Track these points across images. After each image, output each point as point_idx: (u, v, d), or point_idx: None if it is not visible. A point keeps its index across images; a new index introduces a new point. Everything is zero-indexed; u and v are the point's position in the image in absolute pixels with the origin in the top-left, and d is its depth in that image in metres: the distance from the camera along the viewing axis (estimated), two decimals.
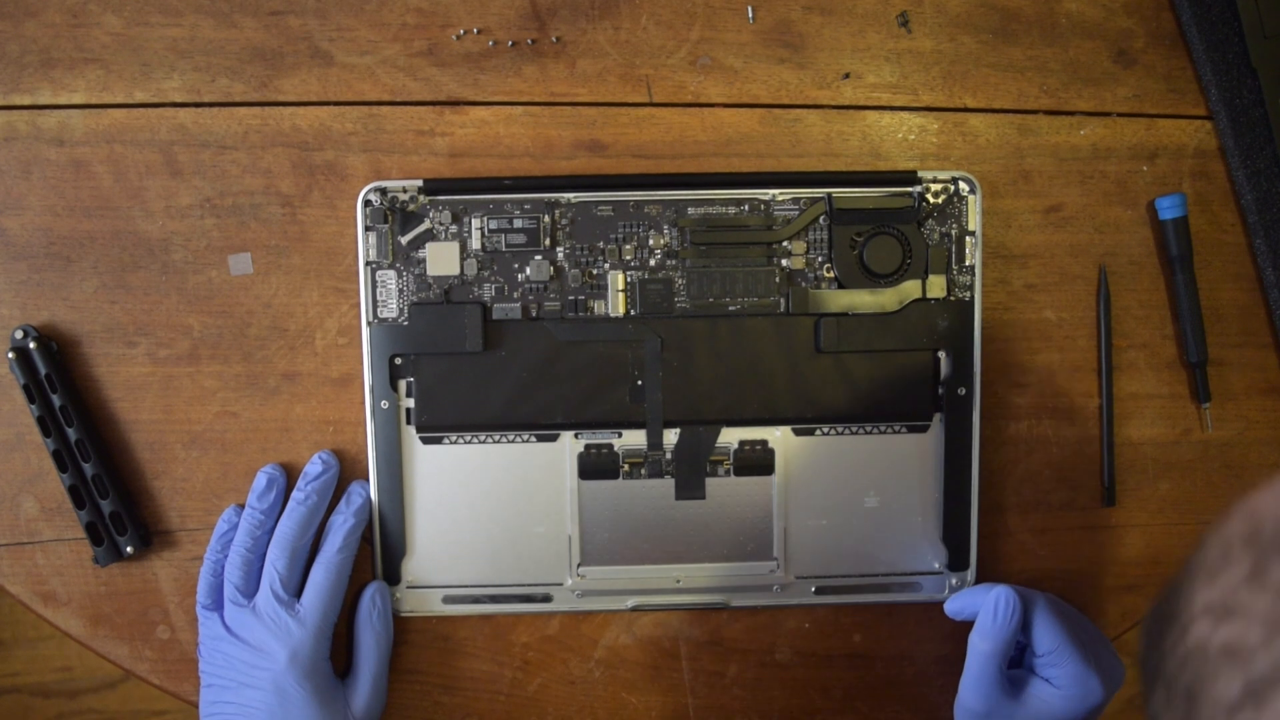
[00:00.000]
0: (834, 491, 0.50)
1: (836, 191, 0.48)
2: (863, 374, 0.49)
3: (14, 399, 0.49)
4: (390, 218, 0.48)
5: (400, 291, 0.48)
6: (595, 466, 0.49)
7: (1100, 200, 0.51)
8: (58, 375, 0.48)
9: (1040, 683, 0.46)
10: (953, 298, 0.49)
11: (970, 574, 0.50)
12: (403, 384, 0.48)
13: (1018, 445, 0.51)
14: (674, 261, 0.49)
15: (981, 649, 0.45)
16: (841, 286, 0.49)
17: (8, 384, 0.49)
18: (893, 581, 0.50)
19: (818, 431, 0.49)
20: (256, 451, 0.50)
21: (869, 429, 0.49)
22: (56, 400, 0.48)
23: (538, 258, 0.48)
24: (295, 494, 0.48)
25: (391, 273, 0.48)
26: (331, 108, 0.49)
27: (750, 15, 0.50)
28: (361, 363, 0.49)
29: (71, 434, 0.48)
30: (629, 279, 0.48)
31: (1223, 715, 0.23)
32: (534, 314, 0.48)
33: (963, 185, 0.49)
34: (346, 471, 0.50)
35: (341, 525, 0.48)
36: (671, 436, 0.49)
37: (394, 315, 0.48)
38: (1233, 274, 0.51)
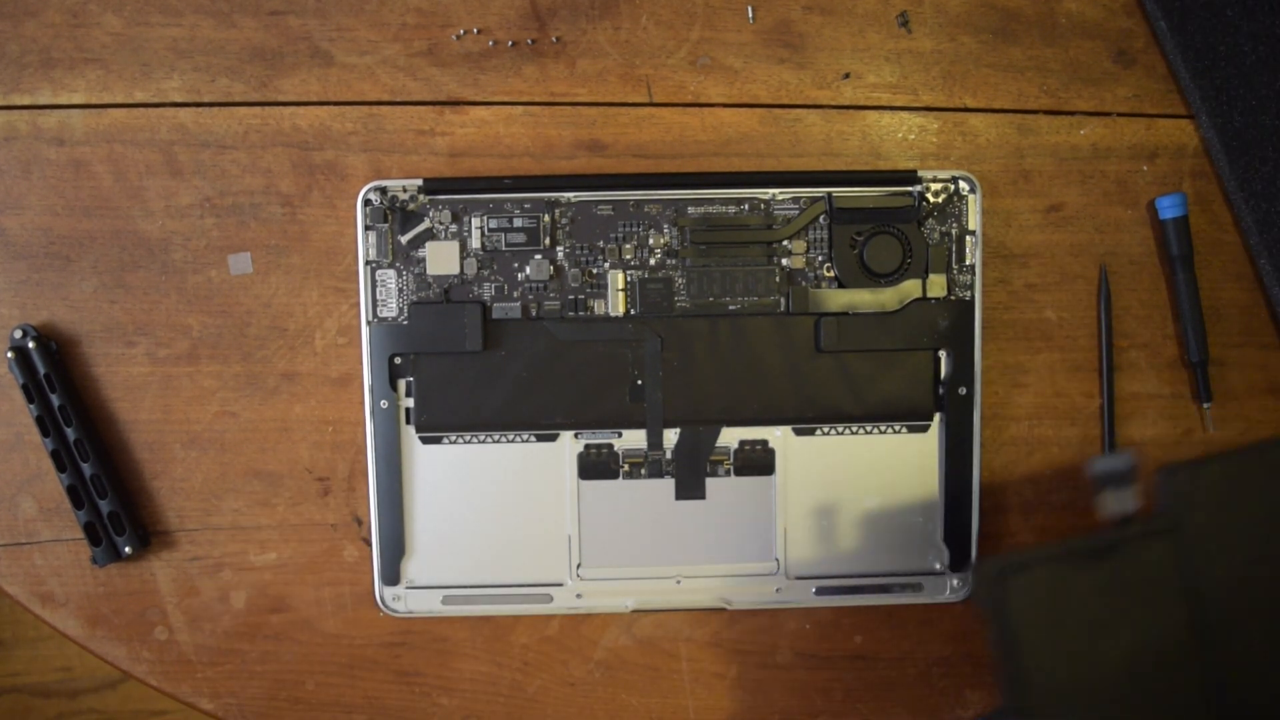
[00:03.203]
0: (834, 491, 0.49)
1: (836, 191, 0.48)
2: (863, 374, 0.49)
3: (13, 399, 0.49)
4: (390, 217, 0.48)
5: (400, 291, 0.48)
6: (595, 466, 0.49)
7: (1100, 200, 0.51)
8: (57, 375, 0.48)
9: None
10: (953, 297, 0.49)
11: (972, 574, 0.50)
12: (402, 383, 0.48)
13: (1019, 445, 0.51)
14: (674, 261, 0.49)
15: None
16: (841, 286, 0.49)
17: (6, 384, 0.49)
18: (893, 582, 0.50)
19: (818, 431, 0.49)
20: (255, 451, 0.50)
21: (869, 429, 0.49)
22: (55, 400, 0.48)
23: (537, 257, 0.48)
24: None
25: (391, 272, 0.48)
26: (331, 108, 0.49)
27: (750, 15, 0.50)
28: (361, 362, 0.48)
29: (70, 434, 0.48)
30: (629, 278, 0.48)
31: None
32: (534, 313, 0.48)
33: (963, 185, 0.49)
34: (345, 475, 0.50)
35: None
36: (671, 436, 0.49)
37: (394, 315, 0.48)
38: (1234, 273, 0.51)
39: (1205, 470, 0.32)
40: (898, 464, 0.49)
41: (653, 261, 0.49)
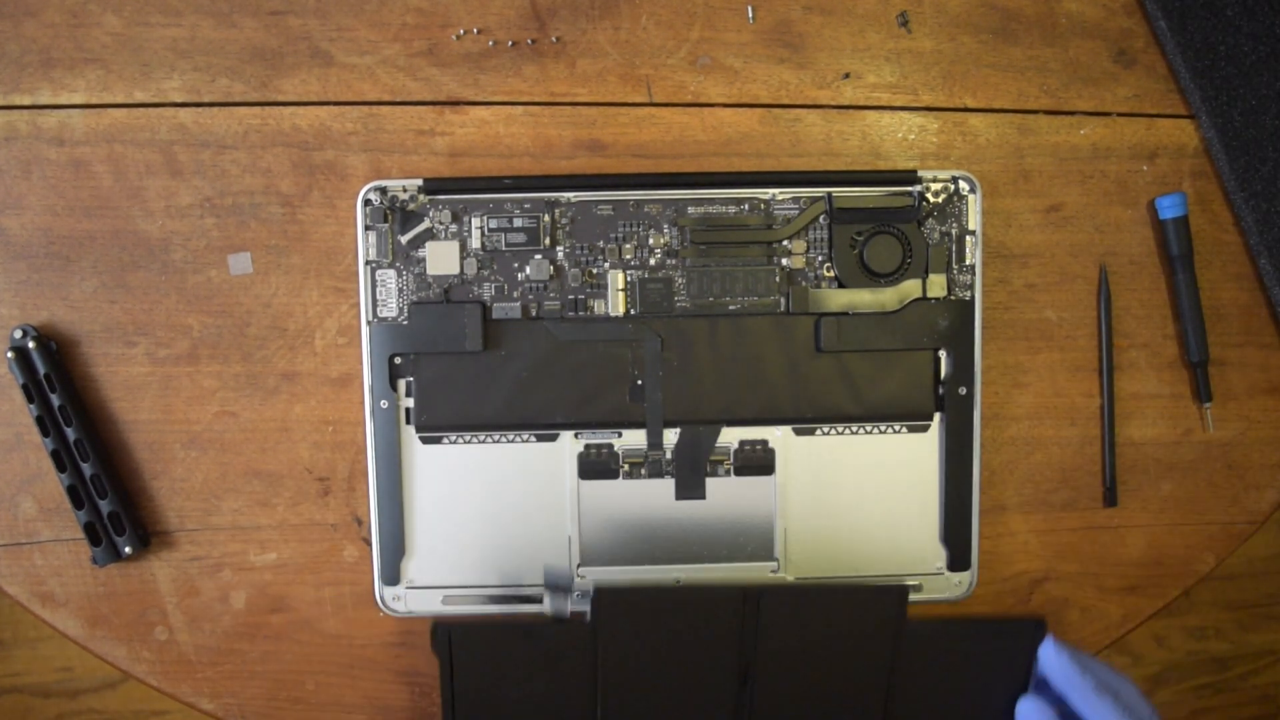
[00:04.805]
0: (834, 491, 0.49)
1: (836, 191, 0.48)
2: (863, 374, 0.49)
3: (13, 399, 0.49)
4: (390, 217, 0.48)
5: (400, 291, 0.48)
6: (595, 466, 0.49)
7: (1100, 200, 0.51)
8: (57, 375, 0.48)
9: None
10: (953, 297, 0.49)
11: (971, 574, 0.50)
12: (402, 383, 0.48)
13: (1018, 445, 0.51)
14: (674, 261, 0.49)
15: None
16: (842, 286, 0.49)
17: (7, 384, 0.49)
18: (893, 582, 0.50)
19: (818, 431, 0.49)
20: (256, 451, 0.50)
21: (869, 429, 0.49)
22: (55, 400, 0.48)
23: (537, 257, 0.48)
24: None
25: (391, 272, 0.48)
26: (331, 108, 0.49)
27: (750, 15, 0.50)
28: (361, 362, 0.48)
29: (70, 434, 0.48)
30: (629, 278, 0.48)
31: None
32: (534, 313, 0.48)
33: (963, 185, 0.49)
34: (345, 475, 0.50)
35: None
36: (671, 436, 0.49)
37: (394, 315, 0.48)
38: (1233, 273, 0.51)
39: (624, 596, 0.45)
40: (897, 464, 0.49)
41: (653, 261, 0.49)
